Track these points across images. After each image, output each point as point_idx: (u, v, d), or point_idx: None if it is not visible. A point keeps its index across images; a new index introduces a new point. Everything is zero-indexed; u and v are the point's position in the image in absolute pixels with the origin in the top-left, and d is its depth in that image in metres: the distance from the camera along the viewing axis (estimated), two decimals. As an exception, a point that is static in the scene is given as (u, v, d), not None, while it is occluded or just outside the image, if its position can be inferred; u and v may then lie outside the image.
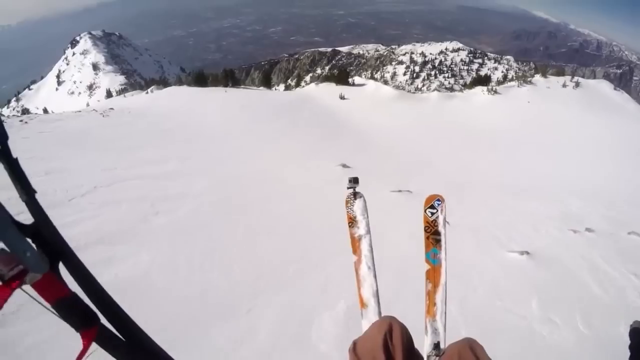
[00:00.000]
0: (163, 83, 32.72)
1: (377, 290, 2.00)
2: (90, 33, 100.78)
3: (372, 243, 2.09)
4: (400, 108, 23.98)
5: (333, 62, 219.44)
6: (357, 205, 2.19)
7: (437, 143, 17.79)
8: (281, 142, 14.09)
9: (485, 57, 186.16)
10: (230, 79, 28.94)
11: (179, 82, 31.31)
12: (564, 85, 27.30)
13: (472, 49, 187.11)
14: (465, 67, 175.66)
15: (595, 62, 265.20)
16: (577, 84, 27.39)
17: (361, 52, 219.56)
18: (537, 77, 28.62)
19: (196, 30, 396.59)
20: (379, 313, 1.91)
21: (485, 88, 26.62)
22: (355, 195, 2.23)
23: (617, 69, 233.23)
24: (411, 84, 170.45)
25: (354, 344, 1.55)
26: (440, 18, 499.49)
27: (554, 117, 22.51)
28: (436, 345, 1.78)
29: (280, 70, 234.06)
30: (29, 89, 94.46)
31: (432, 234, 2.04)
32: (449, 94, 26.69)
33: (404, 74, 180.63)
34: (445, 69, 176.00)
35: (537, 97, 25.61)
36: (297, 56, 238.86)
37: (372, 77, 34.81)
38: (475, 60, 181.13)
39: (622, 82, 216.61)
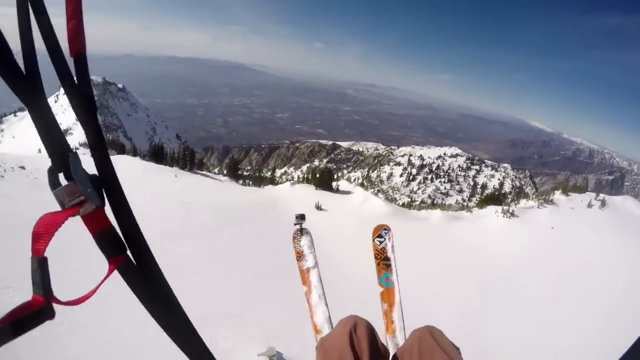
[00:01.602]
0: (119, 149, 26.60)
1: (329, 317, 2.13)
2: None
3: (320, 274, 2.24)
4: (394, 233, 17.28)
5: (332, 155, 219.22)
6: (304, 240, 2.50)
7: (439, 295, 12.19)
8: (199, 276, 10.10)
9: (483, 164, 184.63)
10: (189, 161, 23.57)
11: (133, 153, 25.29)
12: (589, 205, 21.82)
13: (470, 155, 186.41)
14: (463, 173, 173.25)
15: (587, 170, 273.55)
16: (604, 203, 22.16)
17: (361, 149, 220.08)
18: (558, 195, 22.96)
19: (208, 102, 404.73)
20: None
21: (499, 209, 20.52)
22: (302, 231, 2.55)
23: (609, 175, 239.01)
24: (407, 185, 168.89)
25: (321, 342, 1.62)
26: (442, 124, 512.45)
27: (584, 249, 16.98)
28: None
29: (278, 155, 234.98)
30: (15, 115, 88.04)
31: (382, 260, 2.38)
32: (455, 214, 20.50)
33: (401, 175, 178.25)
34: (442, 173, 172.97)
35: (560, 221, 19.77)
36: (297, 144, 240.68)
37: (363, 183, 26.84)
38: (472, 167, 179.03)
39: (613, 187, 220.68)
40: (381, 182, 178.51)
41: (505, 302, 12.19)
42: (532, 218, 19.82)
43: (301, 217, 2.55)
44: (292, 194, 21.58)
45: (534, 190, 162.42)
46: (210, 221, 14.48)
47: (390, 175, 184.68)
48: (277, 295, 9.50)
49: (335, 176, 28.74)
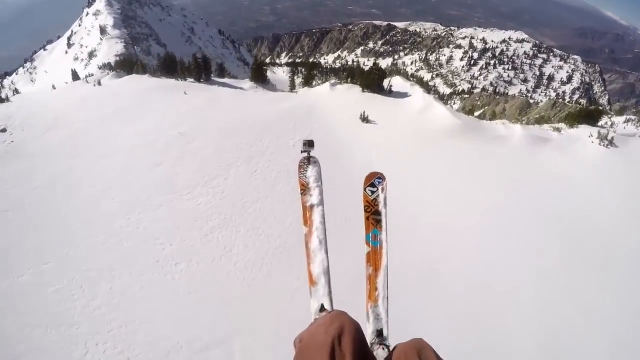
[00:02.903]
0: (128, 68, 21.96)
1: (328, 267, 1.83)
2: None
3: (325, 214, 1.90)
4: (462, 155, 13.04)
5: (387, 37, 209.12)
6: (311, 171, 2.03)
7: (511, 261, 8.39)
8: (179, 270, 7.35)
9: (551, 54, 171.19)
10: (204, 71, 19.19)
11: (142, 71, 20.83)
12: None
13: (537, 42, 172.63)
14: (529, 61, 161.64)
15: None
16: None
17: (418, 30, 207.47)
18: None
19: None
20: (329, 293, 1.75)
21: (594, 131, 14.92)
22: (310, 160, 2.07)
23: None
24: (467, 71, 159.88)
25: (300, 342, 1.37)
26: (506, 4, 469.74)
27: None
28: (379, 333, 1.69)
29: (331, 40, 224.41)
30: (44, 50, 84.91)
31: (373, 214, 1.92)
32: (540, 136, 14.75)
33: (461, 59, 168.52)
34: (506, 60, 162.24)
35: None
36: (350, 27, 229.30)
37: (423, 84, 20.44)
38: (539, 55, 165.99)
39: None
40: (440, 65, 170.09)
41: (602, 283, 7.90)
42: (635, 151, 14.04)
43: (309, 144, 2.01)
44: (332, 100, 16.81)
45: (603, 88, 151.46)
46: (214, 160, 10.96)
47: (450, 59, 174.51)
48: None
49: (388, 69, 23.00)
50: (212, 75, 20.48)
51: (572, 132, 15.60)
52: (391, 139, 13.33)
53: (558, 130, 15.67)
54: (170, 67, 19.80)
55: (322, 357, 1.23)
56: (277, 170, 10.67)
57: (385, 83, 18.15)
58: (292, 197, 9.60)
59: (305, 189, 1.97)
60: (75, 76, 27.79)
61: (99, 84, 18.75)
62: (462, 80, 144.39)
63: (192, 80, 18.73)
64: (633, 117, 17.93)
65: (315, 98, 16.89)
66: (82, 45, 71.53)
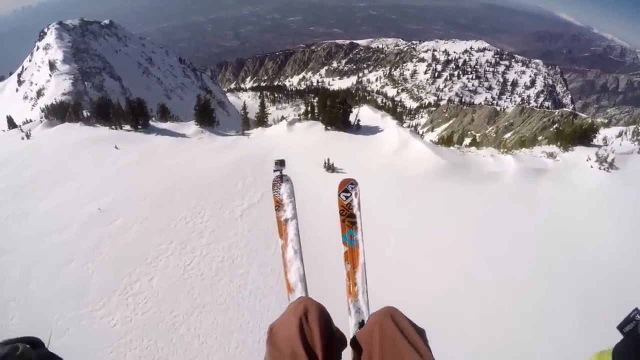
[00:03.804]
0: (61, 115, 18.85)
1: (304, 275, 1.96)
2: (60, 23, 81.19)
3: (298, 227, 2.05)
4: (449, 201, 11.14)
5: (350, 55, 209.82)
6: (284, 188, 2.20)
7: (526, 320, 7.12)
8: None
9: (513, 60, 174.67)
10: (140, 116, 16.43)
11: (75, 117, 17.81)
12: None
13: (498, 49, 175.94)
14: (491, 69, 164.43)
15: (619, 69, 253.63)
16: None
17: (380, 46, 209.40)
18: None
19: (215, 17, 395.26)
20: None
21: (592, 153, 13.25)
22: (282, 178, 2.23)
23: None
24: (432, 83, 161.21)
25: (270, 330, 1.44)
26: (463, 15, 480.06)
27: None
28: (361, 324, 1.76)
29: (295, 61, 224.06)
30: None
31: (348, 217, 2.06)
32: (534, 167, 12.77)
33: (425, 72, 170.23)
34: (469, 69, 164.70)
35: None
36: (313, 47, 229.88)
37: (397, 117, 18.08)
38: (501, 62, 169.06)
39: None
40: (405, 80, 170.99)
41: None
42: (635, 170, 12.47)
43: (281, 163, 2.21)
44: (290, 142, 14.56)
45: (565, 88, 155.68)
46: (137, 250, 8.36)
47: (414, 72, 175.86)
48: None
49: (353, 88, 20.67)
50: (153, 119, 17.77)
51: (567, 156, 13.78)
52: (364, 189, 10.80)
53: (552, 156, 13.77)
54: (105, 113, 16.98)
55: (292, 333, 1.30)
56: (218, 259, 8.16)
57: (352, 117, 15.77)
58: (238, 299, 7.25)
59: (279, 204, 2.12)
60: (11, 123, 24.24)
61: (28, 136, 15.86)
62: (427, 93, 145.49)
63: (129, 127, 16.01)
64: (622, 128, 16.39)
65: (270, 141, 14.50)
66: (31, 83, 67.09)
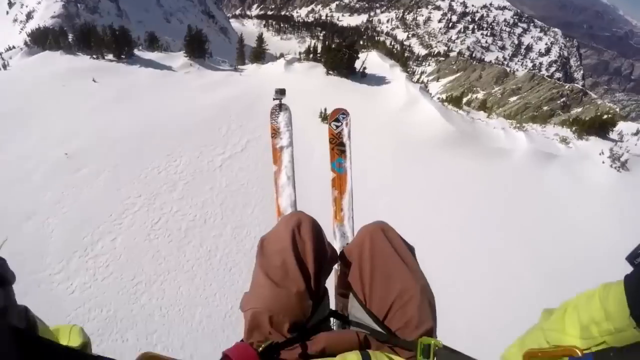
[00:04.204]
0: (41, 42, 17.06)
1: (295, 200, 2.00)
2: None
3: (293, 155, 2.07)
4: (455, 174, 10.32)
5: None
6: (282, 116, 2.22)
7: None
8: None
9: (532, 24, 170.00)
10: (124, 45, 14.72)
11: (56, 45, 16.06)
12: None
13: (518, 10, 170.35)
14: (508, 29, 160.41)
15: (636, 56, 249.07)
16: None
17: None
18: None
19: None
20: None
21: (607, 148, 12.75)
22: (281, 106, 2.24)
23: None
24: (445, 33, 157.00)
25: (262, 242, 1.42)
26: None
27: None
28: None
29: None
30: None
31: (337, 145, 2.15)
32: (546, 151, 12.01)
33: (439, 21, 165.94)
34: (485, 25, 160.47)
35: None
36: None
37: (405, 67, 16.49)
38: (520, 24, 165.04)
39: None
40: (417, 26, 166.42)
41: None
42: None
43: (281, 92, 2.21)
44: (286, 84, 12.84)
45: (579, 63, 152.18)
46: (103, 202, 7.23)
47: (428, 19, 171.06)
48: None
49: (361, 46, 19.05)
50: (140, 48, 16.23)
51: (581, 145, 13.17)
52: (361, 149, 9.82)
53: (565, 141, 13.10)
54: (87, 41, 15.36)
55: (284, 245, 1.30)
56: (189, 218, 7.19)
57: (358, 64, 14.41)
58: (207, 267, 6.41)
59: (276, 132, 2.14)
60: None
61: (5, 66, 14.35)
62: (438, 42, 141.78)
63: (112, 57, 14.52)
64: None
65: (264, 81, 13.17)
66: (22, 4, 63.00)
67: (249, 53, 20.18)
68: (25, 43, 17.93)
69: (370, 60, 15.39)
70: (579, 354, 0.78)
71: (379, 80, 14.25)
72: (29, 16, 55.43)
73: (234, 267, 6.44)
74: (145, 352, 0.88)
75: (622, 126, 15.12)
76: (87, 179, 7.61)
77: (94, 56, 14.73)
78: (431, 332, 1.25)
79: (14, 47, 19.72)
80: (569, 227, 9.29)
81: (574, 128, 14.27)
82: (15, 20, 58.97)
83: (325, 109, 10.87)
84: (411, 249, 1.43)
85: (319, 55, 15.45)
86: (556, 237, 8.78)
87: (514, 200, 9.88)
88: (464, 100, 20.87)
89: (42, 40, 17.10)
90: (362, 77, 14.21)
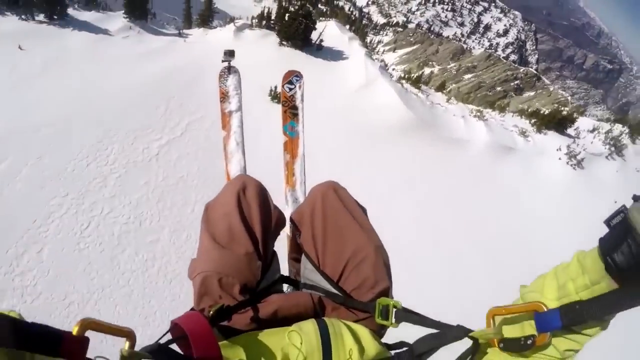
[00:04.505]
0: None
1: (245, 166, 2.00)
2: None
3: (242, 119, 2.06)
4: (409, 168, 9.96)
5: None
6: (231, 80, 2.17)
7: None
8: None
9: (493, 4, 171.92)
10: (56, 4, 12.72)
11: None
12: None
13: None
14: (468, 7, 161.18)
15: (590, 48, 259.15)
16: None
17: None
18: (628, 142, 14.39)
19: None
20: None
21: (564, 144, 13.01)
22: (230, 69, 2.20)
23: (609, 64, 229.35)
24: (405, 3, 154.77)
25: (207, 208, 1.38)
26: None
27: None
28: None
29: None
30: None
31: (290, 109, 2.14)
32: (505, 144, 12.03)
33: None
34: (446, 0, 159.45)
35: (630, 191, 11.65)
36: None
37: (365, 39, 15.90)
38: (481, 3, 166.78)
39: (608, 77, 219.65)
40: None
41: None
42: (600, 176, 12.41)
43: (230, 54, 2.16)
44: (238, 53, 12.00)
45: (534, 47, 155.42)
46: (25, 204, 6.13)
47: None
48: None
49: (318, 16, 18.04)
50: (76, 7, 14.58)
51: (539, 139, 13.36)
52: (312, 134, 9.12)
53: (524, 134, 13.15)
54: None
55: (229, 208, 1.25)
56: (122, 220, 6.32)
57: (314, 35, 13.53)
58: (144, 280, 5.66)
59: (224, 96, 2.10)
60: None
61: None
62: (398, 12, 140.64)
63: (43, 17, 12.94)
64: (596, 123, 15.86)
65: (210, 50, 12.05)
66: None
67: (198, 9, 18.56)
68: None
69: (328, 32, 14.53)
70: (544, 308, 0.80)
71: (336, 55, 13.48)
72: None
73: (174, 279, 5.74)
74: (85, 317, 0.83)
75: (580, 122, 15.22)
76: (6, 176, 6.45)
77: (23, 17, 13.14)
78: (387, 292, 1.22)
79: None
80: (523, 221, 9.47)
81: (533, 121, 14.35)
82: None
83: (276, 87, 10.09)
84: (364, 209, 1.39)
85: (272, 22, 14.41)
86: (511, 232, 8.93)
87: (470, 192, 9.82)
88: (422, 76, 20.56)
89: None
90: (317, 50, 13.39)
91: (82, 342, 0.71)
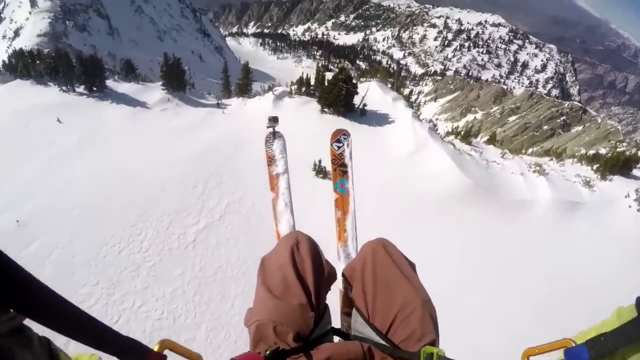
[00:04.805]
0: (15, 67, 15.74)
1: (294, 225, 1.97)
2: None
3: (289, 181, 2.08)
4: (472, 233, 9.01)
5: (359, 10, 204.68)
6: (277, 144, 2.22)
7: None
8: None
9: (527, 40, 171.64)
10: (95, 76, 13.37)
11: (27, 73, 15.04)
12: None
13: (514, 27, 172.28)
14: (503, 46, 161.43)
15: (629, 69, 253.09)
16: None
17: (392, 5, 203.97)
18: None
19: None
20: None
21: (632, 189, 11.85)
22: (275, 134, 2.24)
23: None
24: (441, 51, 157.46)
25: (263, 261, 1.40)
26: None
27: None
28: None
29: (301, 10, 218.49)
30: None
31: (339, 166, 2.12)
32: (570, 200, 10.94)
33: (435, 39, 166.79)
34: (481, 43, 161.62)
35: None
36: None
37: (409, 98, 15.17)
38: (515, 41, 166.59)
39: None
40: (413, 44, 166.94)
41: None
42: None
43: (274, 120, 2.19)
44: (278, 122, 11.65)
45: (574, 78, 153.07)
46: (55, 285, 6.32)
47: (424, 37, 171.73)
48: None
49: (358, 76, 17.71)
50: (116, 77, 14.92)
51: (605, 187, 12.23)
52: (363, 211, 8.38)
53: (588, 184, 12.06)
54: (57, 70, 13.98)
55: (284, 261, 1.28)
56: (155, 316, 5.81)
57: (357, 99, 13.09)
58: None
59: (271, 159, 2.13)
60: None
61: None
62: (434, 60, 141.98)
63: (83, 89, 13.19)
64: None
65: (249, 121, 11.82)
66: (11, 20, 61.86)
67: (237, 75, 18.48)
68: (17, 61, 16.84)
69: (371, 94, 14.10)
70: (572, 344, 0.82)
71: (381, 119, 12.93)
72: (17, 33, 54.57)
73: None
74: (165, 338, 0.94)
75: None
76: (36, 258, 6.24)
77: (64, 88, 13.50)
78: (433, 344, 1.19)
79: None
80: (592, 281, 8.67)
81: (595, 167, 13.36)
82: (4, 37, 58.03)
83: (320, 161, 9.51)
84: (412, 265, 1.38)
85: (312, 88, 14.11)
86: (578, 291, 8.24)
87: (536, 256, 8.90)
88: (464, 121, 19.66)
89: (14, 66, 16.00)
90: (361, 115, 12.91)
91: (162, 358, 0.81)
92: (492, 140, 16.99)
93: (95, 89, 13.19)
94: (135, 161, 9.15)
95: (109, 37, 61.34)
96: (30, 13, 57.50)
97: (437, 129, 13.87)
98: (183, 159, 9.33)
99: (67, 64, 13.68)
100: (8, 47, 46.13)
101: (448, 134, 15.15)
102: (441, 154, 10.68)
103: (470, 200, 9.62)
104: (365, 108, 13.08)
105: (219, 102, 14.48)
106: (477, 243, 8.73)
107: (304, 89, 14.43)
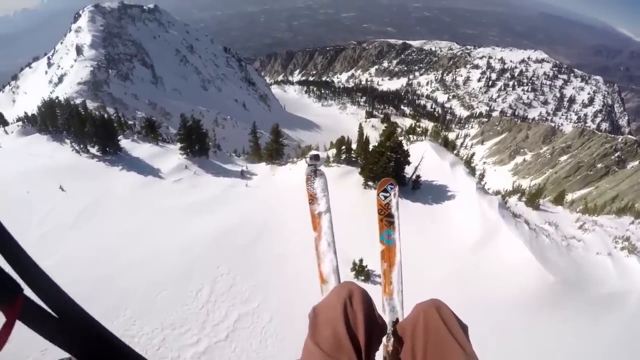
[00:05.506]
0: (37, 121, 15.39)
1: (337, 266, 1.89)
2: (96, 5, 77.95)
3: (332, 220, 1.94)
4: (556, 343, 6.60)
5: (402, 56, 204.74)
6: (318, 182, 2.10)
7: None
8: None
9: (572, 74, 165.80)
10: (108, 138, 12.49)
11: (46, 128, 15.15)
12: None
13: (557, 61, 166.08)
14: (548, 82, 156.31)
15: None
16: None
17: (433, 48, 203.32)
18: None
19: (269, 8, 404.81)
20: None
21: None
22: (316, 172, 2.12)
23: None
24: (485, 92, 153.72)
25: (313, 312, 1.35)
26: (520, 23, 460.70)
27: None
28: (395, 323, 1.70)
29: (344, 58, 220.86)
30: (30, 67, 76.09)
31: (386, 217, 2.01)
32: None
33: (479, 80, 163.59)
34: (525, 80, 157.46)
35: None
36: (364, 45, 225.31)
37: (470, 162, 12.59)
38: (560, 76, 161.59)
39: None
40: (457, 86, 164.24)
41: None
42: None
43: (315, 158, 2.04)
44: (307, 204, 9.63)
45: (622, 108, 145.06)
46: None
47: (467, 79, 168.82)
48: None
49: (402, 90, 15.47)
50: (136, 137, 13.48)
51: None
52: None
53: None
54: (74, 127, 12.81)
55: (335, 315, 1.25)
56: None
57: (409, 170, 10.80)
58: None
59: (313, 198, 2.01)
60: (2, 120, 20.24)
61: None
62: (479, 102, 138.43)
63: (96, 150, 11.80)
64: None
65: (277, 199, 9.96)
66: (58, 66, 64.57)
67: (281, 122, 16.23)
68: (23, 122, 16.34)
69: (424, 157, 11.74)
70: None
71: (438, 194, 10.79)
72: (61, 79, 56.71)
73: None
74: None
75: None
76: None
77: (76, 148, 12.33)
78: None
79: (19, 121, 19.09)
80: None
81: None
82: (50, 82, 60.43)
83: (361, 260, 7.27)
84: (464, 328, 1.32)
85: (353, 155, 11.95)
86: None
87: None
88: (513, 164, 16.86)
89: (36, 119, 16.34)
90: (413, 188, 10.69)
91: None
92: (559, 200, 14.27)
93: (109, 150, 11.80)
94: (134, 245, 7.70)
95: (152, 85, 62.48)
96: (75, 61, 59.82)
97: (507, 203, 11.15)
98: (188, 247, 7.81)
99: (79, 124, 12.47)
100: (51, 93, 47.72)
101: (509, 193, 12.67)
102: (516, 243, 8.41)
103: (551, 301, 7.51)
104: (419, 180, 10.80)
105: (243, 169, 12.66)
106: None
107: (344, 155, 12.41)
